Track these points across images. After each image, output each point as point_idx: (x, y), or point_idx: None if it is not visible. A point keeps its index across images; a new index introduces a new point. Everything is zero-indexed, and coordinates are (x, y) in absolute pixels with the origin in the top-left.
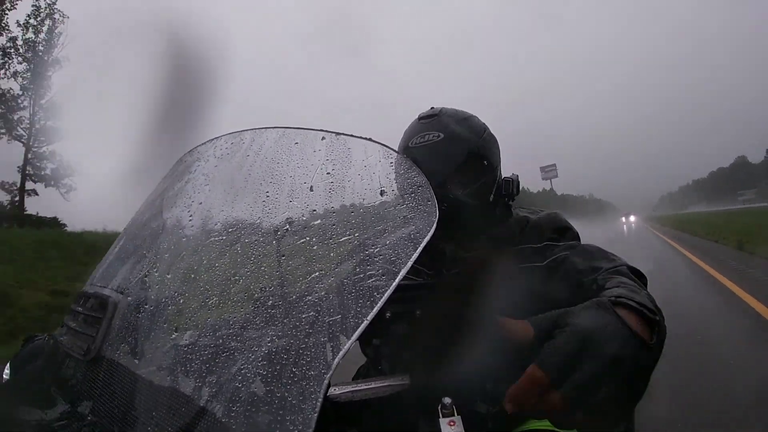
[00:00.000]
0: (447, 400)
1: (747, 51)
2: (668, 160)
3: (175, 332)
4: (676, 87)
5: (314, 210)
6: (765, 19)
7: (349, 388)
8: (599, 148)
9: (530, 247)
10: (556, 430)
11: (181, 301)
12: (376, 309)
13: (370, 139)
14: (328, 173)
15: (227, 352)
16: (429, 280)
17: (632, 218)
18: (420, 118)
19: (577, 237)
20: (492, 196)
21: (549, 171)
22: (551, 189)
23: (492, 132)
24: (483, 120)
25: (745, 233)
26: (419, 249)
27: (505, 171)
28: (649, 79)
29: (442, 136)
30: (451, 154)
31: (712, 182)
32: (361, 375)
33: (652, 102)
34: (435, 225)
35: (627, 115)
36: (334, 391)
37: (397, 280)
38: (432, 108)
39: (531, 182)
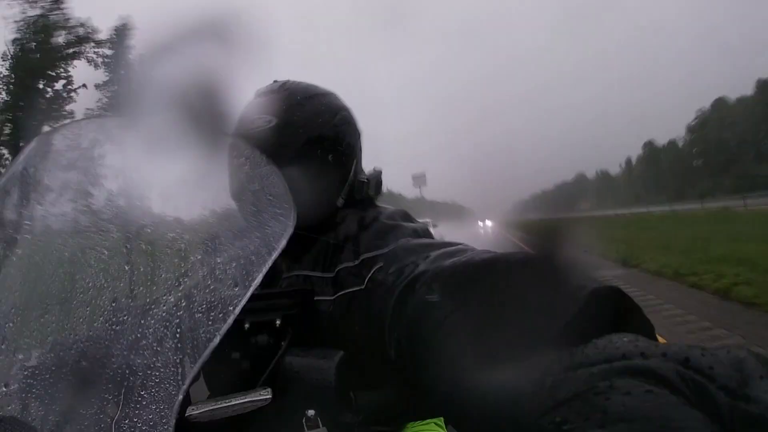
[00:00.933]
0: (311, 412)
1: (596, 73)
2: (522, 172)
3: (14, 353)
4: (528, 106)
5: (163, 213)
6: (614, 41)
7: (209, 407)
8: (462, 157)
9: (345, 267)
10: (441, 430)
11: (19, 318)
12: (229, 321)
13: (226, 137)
14: (181, 173)
15: (76, 373)
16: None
17: (488, 223)
18: (257, 94)
19: (410, 235)
20: (341, 198)
21: (419, 179)
22: (422, 196)
23: (352, 117)
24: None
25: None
26: (275, 254)
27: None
28: (506, 98)
29: (274, 121)
30: (284, 146)
31: (557, 193)
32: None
33: (507, 118)
34: (291, 229)
35: (486, 130)
36: (193, 410)
37: (251, 289)
38: (275, 81)
39: (405, 188)
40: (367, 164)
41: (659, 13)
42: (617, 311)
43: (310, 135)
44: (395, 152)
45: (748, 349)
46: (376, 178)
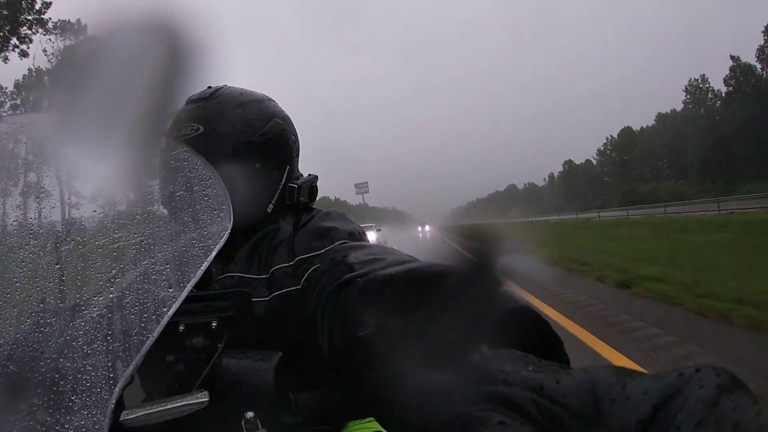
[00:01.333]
0: (250, 414)
1: (527, 97)
2: (458, 181)
3: None
4: (466, 120)
5: (95, 211)
6: (543, 71)
7: (144, 411)
8: (402, 167)
9: (279, 268)
10: (381, 430)
11: None
12: (163, 323)
13: (161, 135)
14: (116, 172)
15: (2, 378)
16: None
17: (427, 228)
18: (188, 101)
19: (345, 237)
20: (271, 204)
21: (362, 187)
22: (365, 203)
23: (286, 124)
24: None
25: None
26: (210, 256)
27: (321, 181)
28: (445, 111)
29: (201, 129)
30: (210, 154)
31: (490, 201)
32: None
33: (446, 130)
34: (229, 231)
35: (426, 141)
36: (128, 415)
37: (185, 291)
38: (209, 87)
39: (349, 196)
40: (314, 171)
41: (586, 48)
42: (532, 329)
43: (236, 143)
44: (341, 160)
45: (607, 366)
46: (309, 183)
